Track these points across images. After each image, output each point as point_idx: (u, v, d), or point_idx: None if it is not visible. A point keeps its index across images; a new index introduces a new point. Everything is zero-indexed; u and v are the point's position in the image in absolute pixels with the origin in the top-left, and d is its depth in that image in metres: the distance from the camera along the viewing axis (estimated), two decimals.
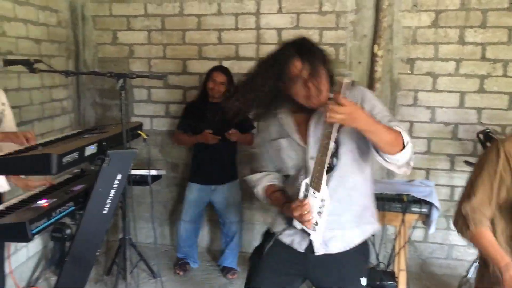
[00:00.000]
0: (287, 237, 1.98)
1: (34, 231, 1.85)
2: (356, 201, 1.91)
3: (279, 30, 3.96)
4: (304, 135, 1.91)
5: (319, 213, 1.77)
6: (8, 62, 2.37)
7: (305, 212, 1.77)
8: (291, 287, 2.03)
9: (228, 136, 3.62)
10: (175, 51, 4.21)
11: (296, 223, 1.90)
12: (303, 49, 1.80)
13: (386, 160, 1.75)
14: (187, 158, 4.22)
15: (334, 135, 1.64)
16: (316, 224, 1.79)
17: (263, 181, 2.07)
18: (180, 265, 3.92)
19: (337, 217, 1.85)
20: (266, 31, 3.99)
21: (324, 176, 1.71)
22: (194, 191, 3.83)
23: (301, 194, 1.81)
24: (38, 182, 2.52)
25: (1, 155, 1.92)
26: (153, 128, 4.34)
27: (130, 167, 2.27)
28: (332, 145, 1.66)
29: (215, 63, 4.06)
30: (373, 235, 2.10)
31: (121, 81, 2.28)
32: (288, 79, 1.77)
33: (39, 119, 3.76)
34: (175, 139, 4.04)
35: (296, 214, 1.78)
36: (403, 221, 2.97)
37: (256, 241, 4.09)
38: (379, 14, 3.71)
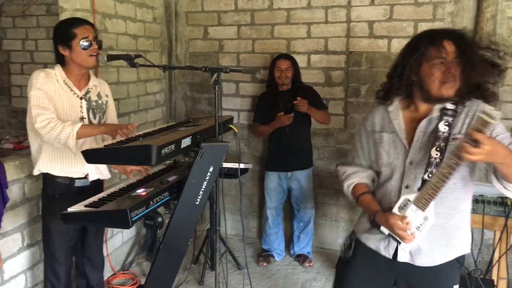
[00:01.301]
0: (372, 242, 1.93)
1: (134, 219, 1.93)
2: (452, 219, 1.81)
3: (370, 23, 3.84)
4: (409, 136, 1.83)
5: (418, 228, 1.74)
6: (111, 57, 2.50)
7: (406, 231, 1.73)
8: None
9: (296, 105, 3.59)
10: (263, 46, 4.23)
11: (384, 229, 1.85)
12: (462, 35, 1.73)
13: (506, 188, 1.68)
14: None
15: (458, 168, 1.58)
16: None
17: (354, 177, 2.02)
18: (264, 256, 3.99)
19: (429, 232, 1.77)
20: (357, 24, 3.88)
21: (434, 200, 1.68)
22: (273, 179, 3.90)
23: (397, 207, 1.77)
24: (134, 168, 2.66)
25: (105, 145, 2.03)
26: (240, 122, 4.40)
27: (222, 160, 2.31)
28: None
29: (304, 58, 4.04)
30: None
31: (215, 75, 2.30)
32: (434, 57, 1.70)
33: (134, 111, 3.96)
34: (255, 132, 4.14)
35: (396, 230, 1.74)
36: (505, 226, 2.76)
37: (340, 238, 4.06)
38: (482, 4, 3.46)
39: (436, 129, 1.74)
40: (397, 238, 1.80)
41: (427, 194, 1.67)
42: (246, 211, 4.46)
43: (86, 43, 2.42)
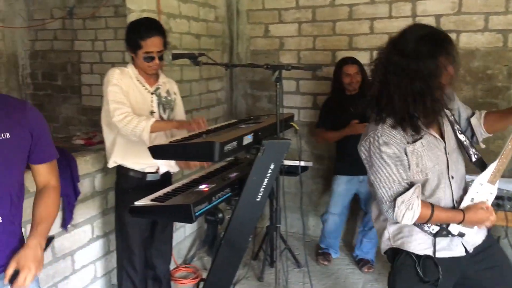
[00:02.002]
0: (443, 251, 1.84)
1: (197, 214, 1.97)
2: None
3: (437, 17, 3.69)
4: (435, 128, 1.85)
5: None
6: (176, 56, 2.57)
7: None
8: None
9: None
10: (324, 42, 4.19)
11: (454, 229, 1.80)
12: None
13: None
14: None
15: None
16: None
17: (414, 197, 1.76)
18: (323, 254, 3.95)
19: None
20: (423, 18, 3.74)
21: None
22: (341, 183, 3.79)
23: (470, 196, 1.74)
24: (198, 163, 2.72)
25: (170, 142, 2.09)
26: (300, 119, 4.38)
27: (284, 157, 2.30)
28: None
29: (366, 54, 3.96)
30: None
31: (276, 73, 2.31)
32: (453, 61, 1.72)
33: (196, 109, 4.04)
34: (318, 138, 4.02)
35: (491, 218, 1.77)
36: None
37: None
38: None
39: (446, 115, 1.87)
40: (463, 232, 1.80)
41: (501, 164, 1.75)
42: (306, 209, 4.44)
43: (148, 58, 2.54)
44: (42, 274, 2.46)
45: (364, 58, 3.92)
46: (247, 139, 2.17)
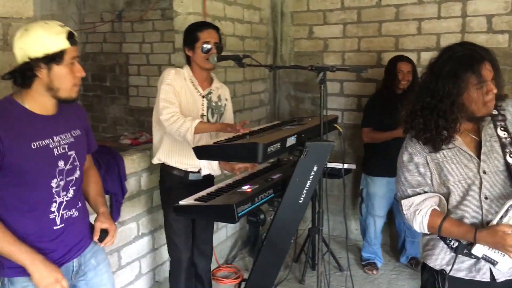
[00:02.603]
0: (462, 272, 1.77)
1: (240, 214, 1.99)
2: None
3: (489, 17, 3.57)
4: (471, 146, 1.77)
5: None
6: (221, 58, 2.60)
7: None
8: None
9: None
10: (370, 44, 4.13)
11: (478, 251, 1.69)
12: (486, 50, 1.73)
13: None
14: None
15: None
16: None
17: (426, 204, 1.77)
18: (371, 263, 3.86)
19: None
20: (474, 18, 3.63)
21: None
22: (381, 185, 3.69)
23: (498, 217, 1.64)
24: (242, 165, 2.73)
25: (215, 142, 2.12)
26: (343, 121, 4.34)
27: (327, 159, 2.29)
28: None
29: (413, 55, 3.87)
30: None
31: (321, 74, 2.28)
32: (479, 82, 1.67)
33: (240, 110, 4.07)
34: (366, 137, 3.85)
35: (509, 241, 1.59)
36: None
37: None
38: None
39: (497, 136, 1.77)
40: (493, 259, 1.68)
41: None
42: (348, 212, 4.39)
43: (205, 47, 2.57)
44: None
45: (411, 59, 3.84)
46: (291, 141, 2.17)
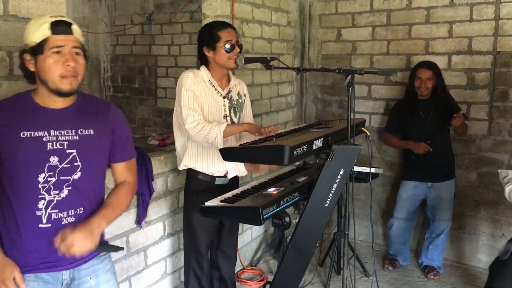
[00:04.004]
0: None
1: (265, 216, 1.99)
2: None
3: None
4: None
5: None
6: (249, 60, 2.61)
7: None
8: None
9: (454, 117, 3.40)
10: (399, 47, 4.07)
11: None
12: None
13: None
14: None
15: None
16: None
17: None
18: (390, 260, 3.90)
19: None
20: (507, 21, 3.55)
21: None
22: (409, 189, 3.73)
23: None
24: (266, 166, 2.73)
25: (241, 144, 2.12)
26: (371, 125, 4.29)
27: (354, 163, 2.27)
28: None
29: (444, 59, 3.81)
30: None
31: (349, 77, 2.27)
32: None
33: (266, 112, 4.08)
34: (385, 141, 4.00)
35: None
36: None
37: (480, 254, 3.75)
38: None
39: None
40: None
41: None
42: (375, 217, 4.33)
43: (229, 46, 2.54)
44: (117, 267, 2.58)
45: (441, 62, 3.79)
46: (317, 144, 2.16)
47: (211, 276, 2.98)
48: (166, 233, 3.07)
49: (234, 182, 2.79)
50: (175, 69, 5.35)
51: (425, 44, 3.93)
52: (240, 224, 3.67)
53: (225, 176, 2.70)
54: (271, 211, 2.05)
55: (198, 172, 2.67)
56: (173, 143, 3.39)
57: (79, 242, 1.56)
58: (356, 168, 3.27)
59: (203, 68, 2.64)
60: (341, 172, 2.23)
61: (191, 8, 5.09)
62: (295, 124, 4.53)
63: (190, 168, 2.69)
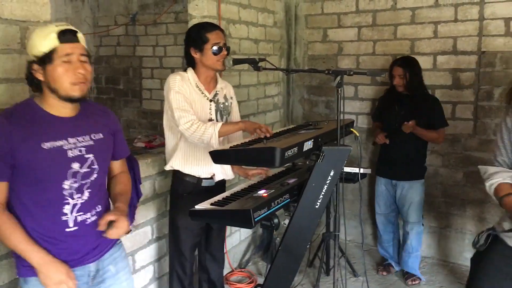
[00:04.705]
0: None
1: (256, 219, 1.97)
2: None
3: (507, 20, 3.53)
4: None
5: None
6: (237, 61, 2.59)
7: None
8: None
9: (403, 127, 3.45)
10: (385, 47, 4.09)
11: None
12: None
13: None
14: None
15: None
16: None
17: (496, 176, 1.95)
18: (385, 265, 3.87)
19: None
20: (491, 21, 3.59)
21: None
22: (380, 184, 3.79)
23: None
24: (256, 171, 2.70)
25: (231, 147, 2.10)
26: (358, 125, 4.30)
27: (344, 164, 2.26)
28: None
29: (429, 59, 3.85)
30: None
31: (338, 78, 2.27)
32: None
33: (253, 113, 4.06)
34: (373, 128, 4.06)
35: None
36: None
37: (467, 253, 3.78)
38: None
39: None
40: None
41: None
42: (363, 216, 4.34)
43: (216, 48, 2.51)
44: None
45: (427, 62, 3.82)
46: (308, 145, 2.15)
47: (199, 279, 2.95)
48: (154, 237, 3.03)
49: (221, 184, 2.76)
50: (160, 70, 5.30)
51: (410, 44, 3.95)
52: (228, 226, 3.65)
53: (211, 178, 2.68)
54: (262, 214, 2.04)
55: (185, 174, 2.64)
56: (160, 146, 3.36)
57: (124, 224, 1.77)
58: (345, 169, 3.28)
59: (190, 71, 2.60)
60: (332, 174, 2.22)
61: (176, 8, 5.04)
62: (282, 125, 4.52)
63: (176, 170, 2.66)
